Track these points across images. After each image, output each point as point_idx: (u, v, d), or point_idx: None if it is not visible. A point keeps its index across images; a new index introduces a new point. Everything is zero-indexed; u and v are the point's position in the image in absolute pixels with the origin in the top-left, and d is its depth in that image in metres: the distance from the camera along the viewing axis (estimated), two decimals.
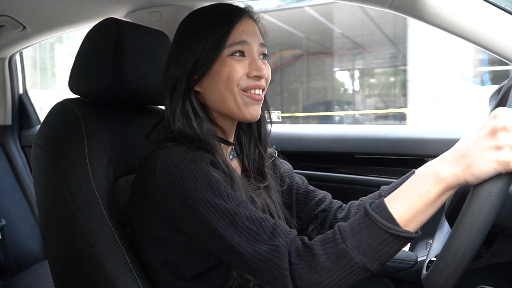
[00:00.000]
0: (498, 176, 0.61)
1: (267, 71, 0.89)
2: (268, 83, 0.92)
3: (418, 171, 0.69)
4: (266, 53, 0.92)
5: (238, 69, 0.85)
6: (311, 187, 1.10)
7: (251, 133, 0.99)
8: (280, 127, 1.72)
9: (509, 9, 0.94)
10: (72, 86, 1.01)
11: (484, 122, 0.64)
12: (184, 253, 0.84)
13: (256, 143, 0.99)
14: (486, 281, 0.95)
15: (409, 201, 0.66)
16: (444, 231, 0.97)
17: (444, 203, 0.69)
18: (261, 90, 0.88)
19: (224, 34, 0.85)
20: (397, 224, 0.65)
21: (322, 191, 1.10)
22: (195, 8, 0.95)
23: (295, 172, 1.13)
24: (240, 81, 0.86)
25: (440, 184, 0.65)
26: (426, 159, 1.36)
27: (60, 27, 1.59)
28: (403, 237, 0.66)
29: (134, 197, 0.87)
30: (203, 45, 0.85)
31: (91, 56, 0.99)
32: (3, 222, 1.82)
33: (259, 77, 0.87)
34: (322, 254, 0.68)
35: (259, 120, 0.96)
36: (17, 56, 2.00)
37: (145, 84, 1.03)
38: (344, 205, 1.08)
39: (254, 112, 0.88)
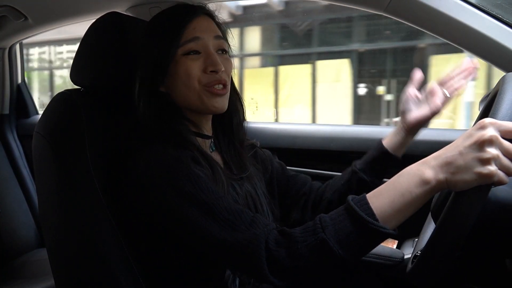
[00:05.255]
0: (479, 186, 0.63)
1: (226, 65, 0.91)
2: (231, 77, 0.94)
3: (403, 171, 0.70)
4: (225, 47, 0.93)
5: (194, 67, 0.88)
6: (291, 172, 1.13)
7: (224, 126, 1.01)
8: (274, 124, 1.74)
9: (502, 17, 0.97)
10: (74, 77, 1.03)
11: (471, 131, 0.65)
12: (170, 248, 0.86)
13: (230, 135, 1.01)
14: (472, 280, 0.98)
15: (391, 199, 0.68)
16: (429, 229, 1.00)
17: (430, 202, 0.72)
18: (221, 85, 0.90)
19: (176, 34, 0.88)
20: (376, 219, 0.68)
21: (302, 175, 1.13)
22: (195, 4, 0.98)
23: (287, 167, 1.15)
24: (200, 78, 0.88)
25: (423, 187, 0.66)
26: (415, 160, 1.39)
27: (61, 19, 1.60)
28: (380, 232, 0.68)
29: (113, 196, 0.89)
30: (158, 47, 0.88)
31: (94, 49, 1.01)
32: None
33: (215, 72, 0.89)
34: (301, 241, 0.70)
35: (230, 113, 0.98)
36: (17, 46, 2.01)
37: None
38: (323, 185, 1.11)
39: (217, 104, 0.90)
